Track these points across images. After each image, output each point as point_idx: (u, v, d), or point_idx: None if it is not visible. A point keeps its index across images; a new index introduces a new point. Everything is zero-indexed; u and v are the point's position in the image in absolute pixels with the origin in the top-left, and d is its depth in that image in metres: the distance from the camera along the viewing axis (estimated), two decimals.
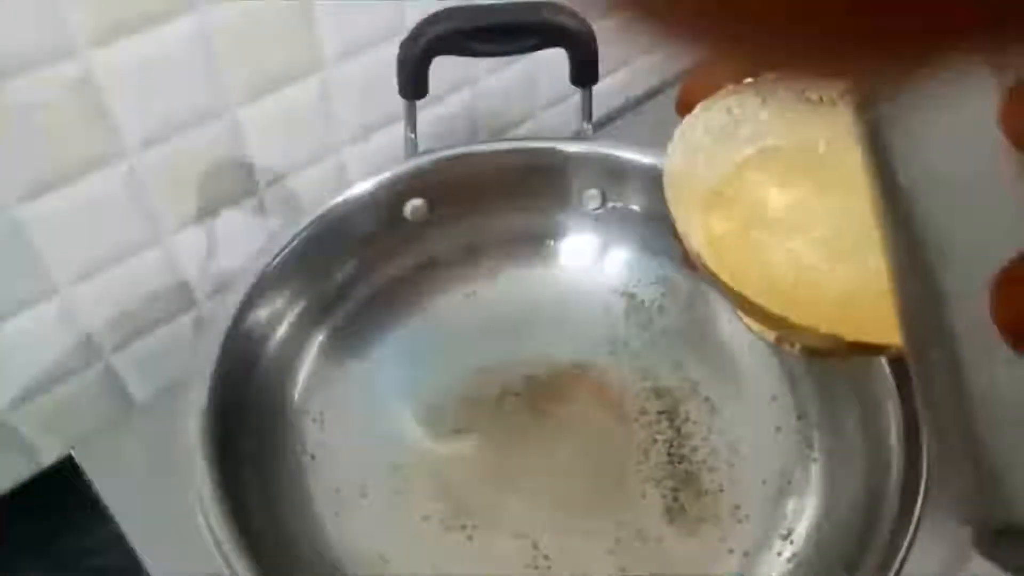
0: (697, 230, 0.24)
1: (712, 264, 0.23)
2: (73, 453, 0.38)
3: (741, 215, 0.25)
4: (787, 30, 0.09)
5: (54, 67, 0.33)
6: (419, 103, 0.38)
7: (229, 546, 0.25)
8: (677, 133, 0.25)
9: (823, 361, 0.36)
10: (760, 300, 0.22)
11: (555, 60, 0.38)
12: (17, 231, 0.36)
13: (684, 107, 0.25)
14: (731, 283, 0.23)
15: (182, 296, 0.44)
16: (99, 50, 0.34)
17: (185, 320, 0.45)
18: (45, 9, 0.32)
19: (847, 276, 0.24)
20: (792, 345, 0.26)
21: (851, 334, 0.21)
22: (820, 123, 0.25)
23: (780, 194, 0.25)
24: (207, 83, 0.38)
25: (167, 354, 0.45)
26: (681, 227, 0.24)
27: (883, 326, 0.21)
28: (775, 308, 0.22)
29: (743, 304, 0.23)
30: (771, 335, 0.25)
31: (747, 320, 0.25)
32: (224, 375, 0.30)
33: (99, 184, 0.37)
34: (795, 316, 0.22)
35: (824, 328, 0.21)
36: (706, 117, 0.25)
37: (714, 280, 0.23)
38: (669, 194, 0.24)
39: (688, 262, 0.25)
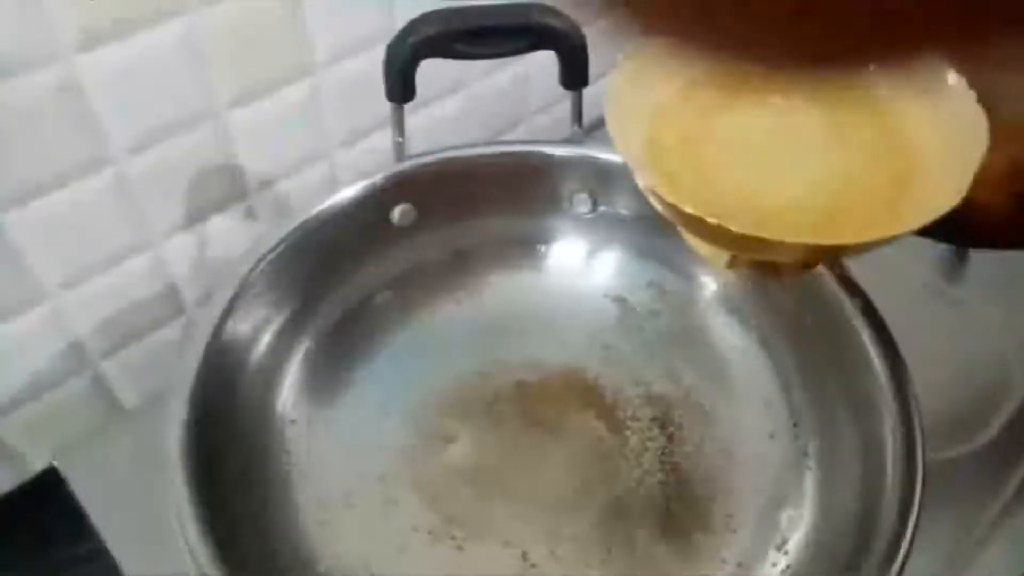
0: (640, 146, 0.25)
1: (658, 180, 0.24)
2: (56, 463, 0.38)
3: (684, 129, 0.25)
4: (791, 31, 0.09)
5: (40, 72, 0.33)
6: (413, 106, 0.37)
7: (208, 565, 0.25)
8: (625, 53, 0.25)
9: (779, 288, 0.37)
10: (708, 213, 0.23)
11: (549, 63, 0.37)
12: (3, 237, 0.35)
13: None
14: (677, 201, 0.23)
15: (172, 302, 0.44)
16: (85, 54, 0.34)
17: (175, 326, 0.45)
18: (30, 13, 0.31)
19: (791, 185, 0.25)
20: (743, 265, 0.27)
21: (805, 236, 0.23)
22: None
23: (723, 110, 0.26)
24: (195, 87, 0.38)
25: (157, 360, 0.45)
26: (622, 144, 0.24)
27: (833, 226, 0.24)
28: (726, 222, 0.23)
29: (691, 223, 0.24)
30: (723, 258, 0.26)
31: (695, 243, 0.26)
32: (206, 385, 0.29)
33: (87, 190, 0.37)
34: (746, 227, 0.23)
35: (777, 235, 0.22)
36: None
37: (665, 205, 0.24)
38: (610, 111, 0.24)
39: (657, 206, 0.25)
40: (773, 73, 0.26)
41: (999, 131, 0.23)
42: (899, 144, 0.25)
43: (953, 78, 0.24)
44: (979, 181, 0.23)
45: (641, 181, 0.24)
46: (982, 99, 0.23)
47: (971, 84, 0.24)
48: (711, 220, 0.23)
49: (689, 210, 0.23)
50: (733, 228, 0.22)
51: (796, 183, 0.25)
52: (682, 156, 0.25)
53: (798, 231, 0.23)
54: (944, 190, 0.23)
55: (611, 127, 0.24)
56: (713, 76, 0.26)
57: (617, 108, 0.25)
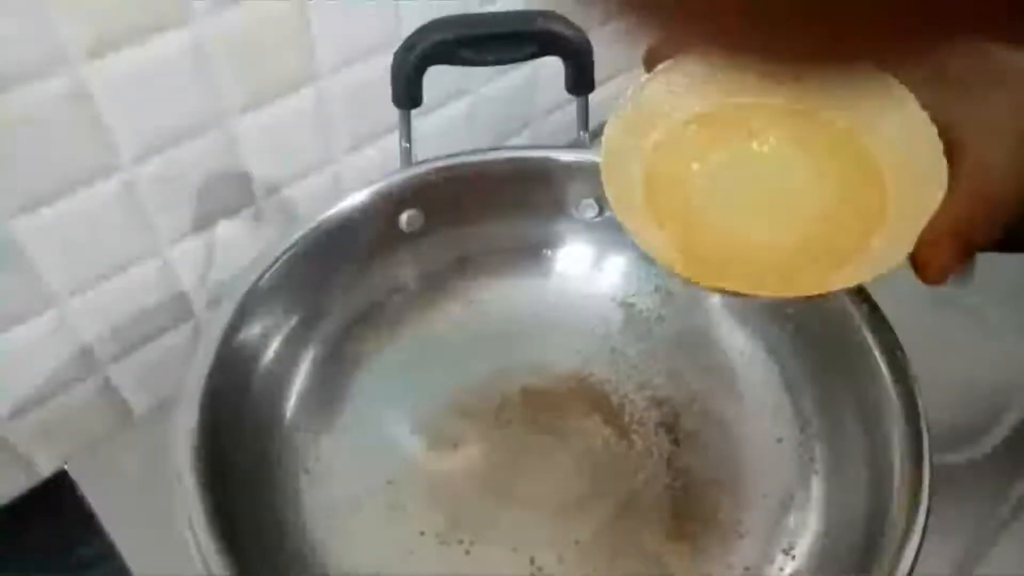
0: (632, 190, 0.26)
1: (632, 229, 0.25)
2: (67, 467, 0.38)
3: (673, 173, 0.26)
4: (793, 28, 0.09)
5: (48, 80, 0.33)
6: (419, 112, 0.38)
7: (218, 568, 0.25)
8: (632, 89, 0.25)
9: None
10: (683, 260, 0.25)
11: (554, 68, 0.37)
12: (13, 244, 0.36)
13: (650, 64, 0.25)
14: (646, 250, 0.25)
15: (180, 308, 0.44)
16: (93, 63, 0.34)
17: (183, 331, 0.45)
18: (39, 22, 0.32)
19: (770, 229, 0.26)
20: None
21: (768, 287, 0.24)
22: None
23: (710, 153, 0.26)
24: (202, 95, 0.38)
25: (166, 366, 0.45)
26: (610, 192, 0.25)
27: (797, 275, 0.25)
28: (693, 276, 0.24)
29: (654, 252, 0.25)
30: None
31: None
32: (215, 391, 0.30)
33: (95, 197, 0.37)
34: (711, 280, 0.24)
35: (744, 288, 0.24)
36: (667, 76, 0.25)
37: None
38: (605, 157, 0.25)
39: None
40: (765, 100, 0.26)
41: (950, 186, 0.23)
42: (873, 187, 0.25)
43: (928, 126, 0.24)
44: (922, 238, 0.23)
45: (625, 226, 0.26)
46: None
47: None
48: (679, 271, 0.24)
49: (664, 263, 0.24)
50: (699, 281, 0.24)
51: (775, 228, 0.26)
52: (671, 200, 0.26)
53: (764, 281, 0.24)
54: (897, 244, 0.24)
55: (605, 176, 0.25)
56: (701, 119, 0.26)
57: (612, 153, 0.25)
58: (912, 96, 0.24)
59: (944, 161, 0.23)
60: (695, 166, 0.26)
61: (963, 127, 0.23)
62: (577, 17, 0.36)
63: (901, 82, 0.24)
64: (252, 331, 0.33)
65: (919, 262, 0.24)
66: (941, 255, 0.23)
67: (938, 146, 0.24)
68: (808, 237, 0.25)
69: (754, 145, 0.26)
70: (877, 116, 0.25)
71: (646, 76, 0.26)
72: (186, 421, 0.28)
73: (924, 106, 0.24)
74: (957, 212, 0.23)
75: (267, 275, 0.33)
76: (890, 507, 0.29)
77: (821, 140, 0.26)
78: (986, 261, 0.44)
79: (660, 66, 0.25)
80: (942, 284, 0.24)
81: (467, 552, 0.32)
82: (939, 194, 0.23)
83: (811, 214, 0.26)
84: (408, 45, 0.34)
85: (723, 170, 0.26)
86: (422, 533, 0.33)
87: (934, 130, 0.24)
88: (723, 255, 0.25)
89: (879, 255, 0.24)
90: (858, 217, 0.25)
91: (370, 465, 0.34)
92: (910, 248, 0.24)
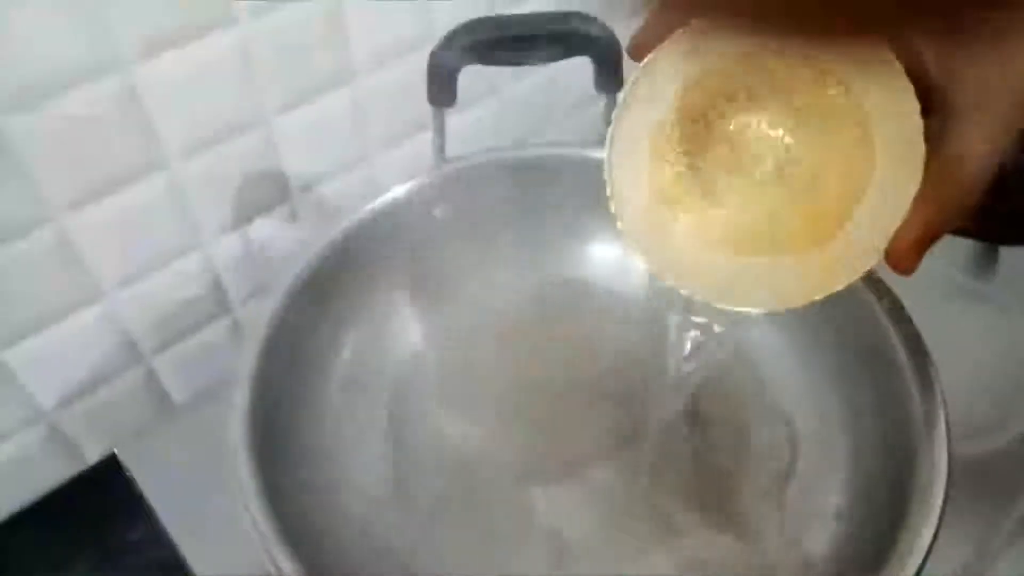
0: (644, 190, 0.26)
1: (621, 228, 0.26)
2: (117, 452, 0.39)
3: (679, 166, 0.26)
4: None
5: (100, 81, 0.35)
6: (447, 112, 0.39)
7: (276, 545, 0.26)
8: (628, 83, 0.24)
9: None
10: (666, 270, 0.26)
11: (577, 67, 0.38)
12: (64, 238, 0.37)
13: (638, 55, 0.24)
14: (633, 251, 0.26)
15: (219, 301, 0.46)
16: (143, 64, 0.35)
17: (222, 324, 0.47)
18: (92, 25, 0.33)
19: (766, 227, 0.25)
20: None
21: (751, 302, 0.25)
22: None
23: (710, 145, 0.25)
24: (244, 94, 0.40)
25: (205, 357, 0.46)
26: (612, 189, 0.26)
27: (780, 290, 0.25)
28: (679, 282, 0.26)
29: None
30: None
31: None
32: (264, 378, 0.31)
33: (141, 193, 0.39)
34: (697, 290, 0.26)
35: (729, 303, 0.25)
36: (661, 61, 0.24)
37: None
38: (615, 137, 0.25)
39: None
40: (764, 60, 0.25)
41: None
42: (866, 159, 0.24)
43: (914, 104, 0.22)
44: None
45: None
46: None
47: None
48: (661, 276, 0.25)
49: (651, 268, 0.26)
50: (683, 291, 0.25)
51: (770, 229, 0.25)
52: (678, 196, 0.26)
53: (750, 296, 0.25)
54: (880, 226, 0.23)
55: (609, 176, 0.26)
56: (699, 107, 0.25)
57: (624, 127, 0.25)
58: (902, 71, 0.22)
59: (923, 145, 0.22)
60: (691, 160, 0.26)
61: (953, 91, 0.21)
62: (604, 16, 0.37)
63: (907, 35, 0.22)
64: (296, 319, 0.34)
65: (887, 251, 0.23)
66: (907, 244, 0.22)
67: (919, 128, 0.22)
68: (794, 243, 0.24)
69: (758, 128, 0.25)
70: (870, 83, 0.23)
71: (646, 61, 0.24)
72: (239, 406, 0.29)
73: (923, 61, 0.22)
74: (924, 196, 0.22)
75: (310, 266, 0.34)
76: (908, 496, 0.29)
77: (820, 108, 0.24)
78: (1009, 253, 0.45)
79: (650, 55, 0.24)
80: (910, 272, 0.23)
81: (515, 528, 0.33)
82: (919, 177, 0.22)
83: (804, 189, 0.25)
84: (445, 45, 0.36)
85: (719, 159, 0.25)
86: (469, 512, 0.34)
87: (917, 109, 0.22)
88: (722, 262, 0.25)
89: (860, 244, 0.23)
90: (847, 189, 0.24)
91: (414, 448, 0.35)
92: (877, 255, 0.23)
